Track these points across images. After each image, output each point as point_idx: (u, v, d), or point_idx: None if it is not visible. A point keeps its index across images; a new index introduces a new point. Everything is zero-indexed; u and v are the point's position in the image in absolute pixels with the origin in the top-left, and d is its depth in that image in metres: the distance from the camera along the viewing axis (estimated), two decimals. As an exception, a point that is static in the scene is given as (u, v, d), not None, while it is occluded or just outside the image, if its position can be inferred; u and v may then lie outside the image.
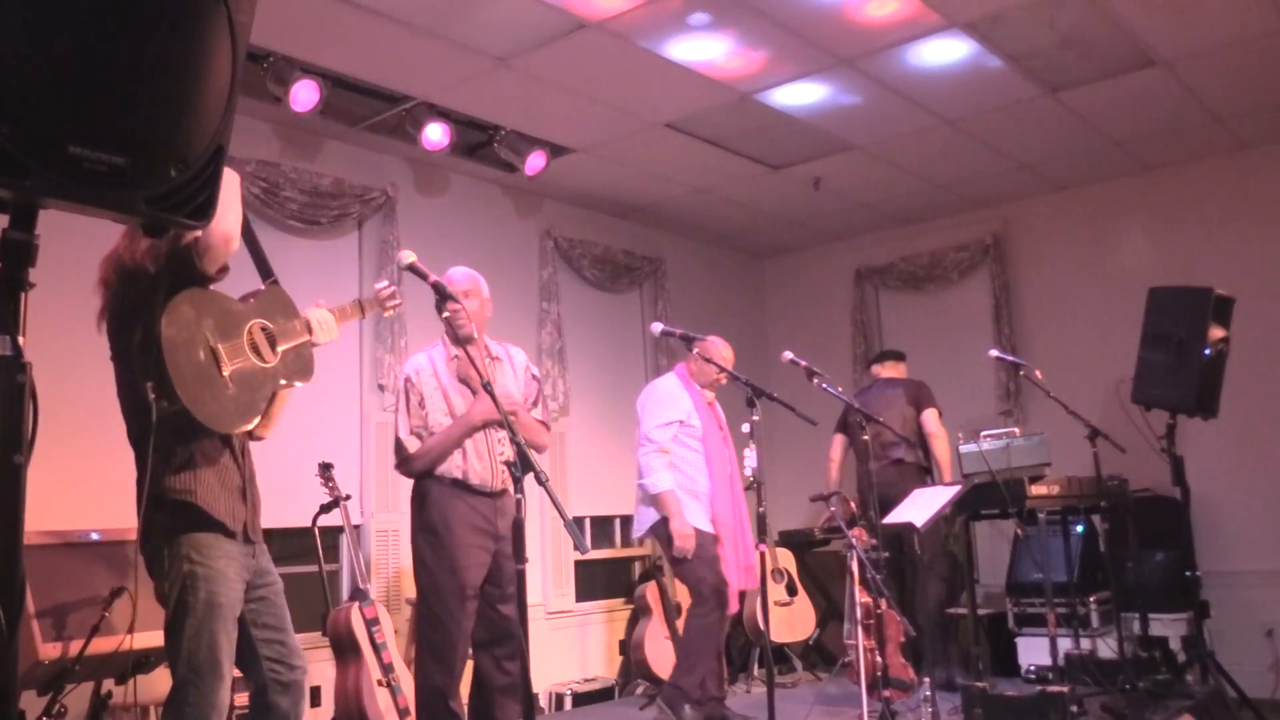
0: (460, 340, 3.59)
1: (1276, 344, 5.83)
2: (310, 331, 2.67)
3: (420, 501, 3.67)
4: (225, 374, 2.43)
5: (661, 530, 4.43)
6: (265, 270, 2.74)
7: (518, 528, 2.63)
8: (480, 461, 3.62)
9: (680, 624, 5.64)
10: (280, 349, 2.58)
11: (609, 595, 6.38)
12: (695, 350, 4.16)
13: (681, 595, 5.76)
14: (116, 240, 2.57)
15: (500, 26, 4.27)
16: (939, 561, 5.36)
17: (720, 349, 4.61)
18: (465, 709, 3.63)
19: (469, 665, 3.66)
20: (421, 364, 3.74)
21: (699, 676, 4.33)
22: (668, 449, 4.44)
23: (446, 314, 2.82)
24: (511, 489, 2.71)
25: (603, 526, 6.57)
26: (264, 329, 2.58)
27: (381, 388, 5.30)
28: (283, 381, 2.58)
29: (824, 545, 6.57)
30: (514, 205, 6.28)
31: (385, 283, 3.08)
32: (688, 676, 4.33)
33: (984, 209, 6.97)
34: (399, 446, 3.68)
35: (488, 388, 2.75)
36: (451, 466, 3.60)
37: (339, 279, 5.37)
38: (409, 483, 5.32)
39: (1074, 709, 4.07)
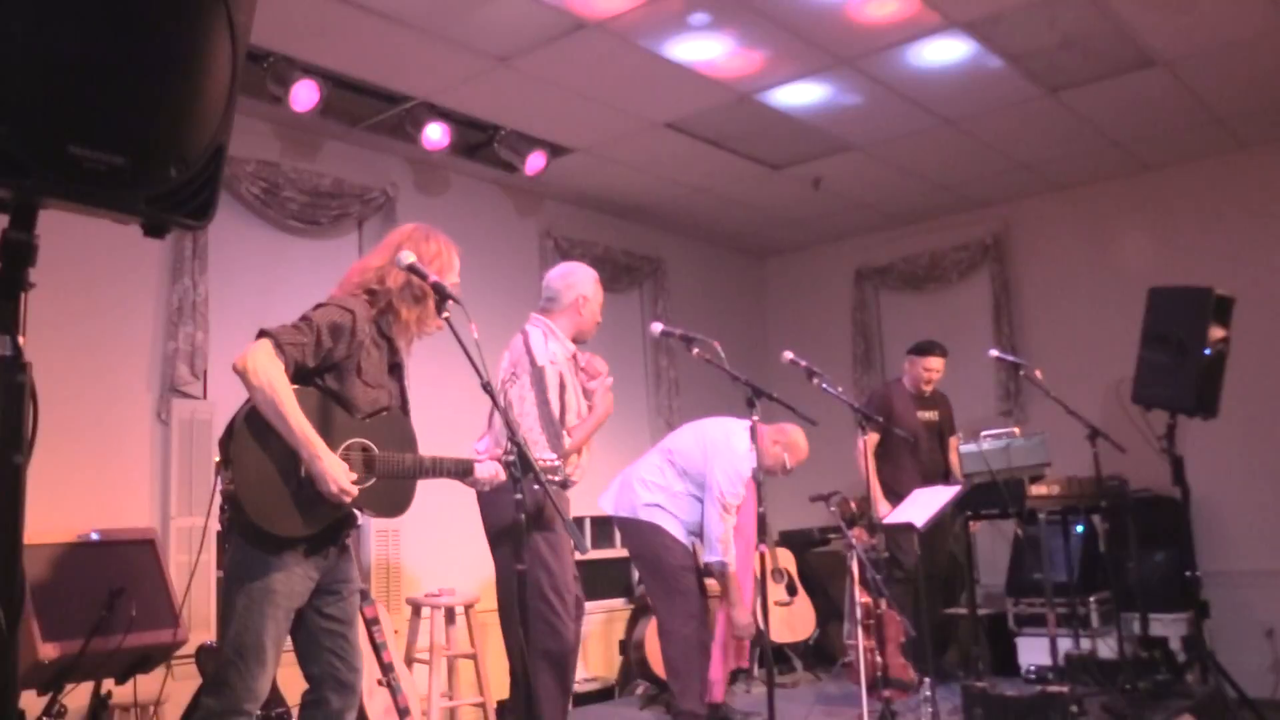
0: (579, 340, 3.84)
1: (1276, 344, 5.83)
2: (421, 473, 2.72)
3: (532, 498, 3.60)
4: (301, 479, 2.46)
5: (642, 549, 4.40)
6: (403, 401, 2.81)
7: (517, 528, 2.63)
8: (587, 456, 3.78)
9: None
10: (374, 478, 2.59)
11: (609, 595, 6.38)
12: (774, 439, 4.32)
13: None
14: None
15: (500, 26, 4.27)
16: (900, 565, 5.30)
17: (797, 441, 4.53)
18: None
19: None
20: (558, 356, 3.72)
21: (697, 690, 4.29)
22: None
23: (446, 315, 2.78)
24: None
25: (603, 527, 6.55)
26: (364, 449, 2.60)
27: (381, 388, 5.29)
28: (360, 505, 2.57)
29: (824, 545, 6.57)
30: (514, 205, 6.28)
31: (554, 458, 3.05)
32: (688, 698, 4.27)
33: (984, 209, 6.97)
34: (559, 437, 3.59)
35: (487, 388, 2.74)
36: (566, 461, 3.66)
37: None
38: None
39: (1074, 709, 4.07)
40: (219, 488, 2.46)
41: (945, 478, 5.62)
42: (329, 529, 2.56)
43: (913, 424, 5.62)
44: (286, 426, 2.45)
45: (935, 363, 5.73)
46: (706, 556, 4.34)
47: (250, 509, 2.41)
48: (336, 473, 2.50)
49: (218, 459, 2.47)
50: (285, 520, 2.46)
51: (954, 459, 5.79)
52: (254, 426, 2.44)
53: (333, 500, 2.51)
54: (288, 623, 2.51)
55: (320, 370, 2.58)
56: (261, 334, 2.48)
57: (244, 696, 2.42)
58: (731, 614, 4.39)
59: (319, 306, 2.61)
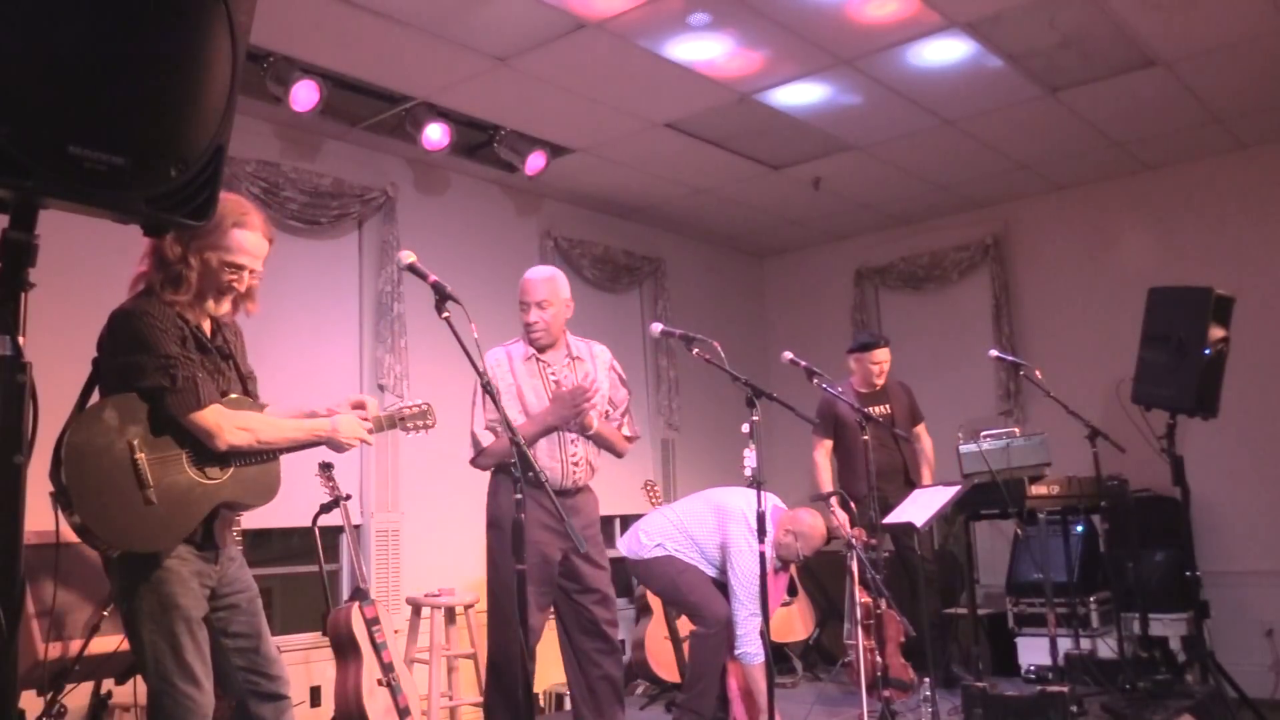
0: (536, 347, 3.67)
1: (1276, 344, 5.83)
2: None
3: (491, 497, 3.67)
4: (147, 489, 2.28)
5: (659, 581, 4.39)
6: (243, 382, 2.64)
7: (517, 528, 2.63)
8: (551, 460, 3.63)
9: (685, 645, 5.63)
10: (234, 465, 2.45)
11: (609, 595, 6.37)
12: (787, 528, 4.19)
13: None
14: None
15: (500, 26, 4.27)
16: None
17: (810, 532, 4.29)
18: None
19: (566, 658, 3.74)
20: (499, 359, 3.69)
21: (711, 697, 4.25)
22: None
23: (446, 315, 2.77)
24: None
25: (602, 527, 6.54)
26: None
27: (381, 388, 5.30)
28: (227, 499, 2.43)
29: (824, 545, 6.56)
30: (514, 205, 6.28)
31: (419, 402, 2.91)
32: (701, 699, 4.22)
33: (984, 209, 6.97)
34: (473, 440, 3.64)
35: (487, 388, 2.74)
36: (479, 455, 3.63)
37: (339, 279, 5.37)
38: (409, 482, 5.38)
39: (1074, 709, 4.07)
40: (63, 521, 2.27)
41: (904, 473, 5.44)
42: (203, 528, 2.42)
43: (855, 424, 5.48)
44: (285, 449, 2.54)
45: (882, 354, 5.56)
46: (736, 649, 4.24)
47: (109, 537, 2.26)
48: (346, 433, 2.62)
49: (51, 491, 2.25)
50: (149, 535, 2.31)
51: (924, 445, 5.62)
52: (78, 450, 2.24)
53: (355, 446, 2.66)
54: (203, 630, 2.39)
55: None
56: (189, 411, 2.34)
57: (199, 715, 2.33)
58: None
59: (131, 326, 2.36)
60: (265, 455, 2.51)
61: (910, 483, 5.32)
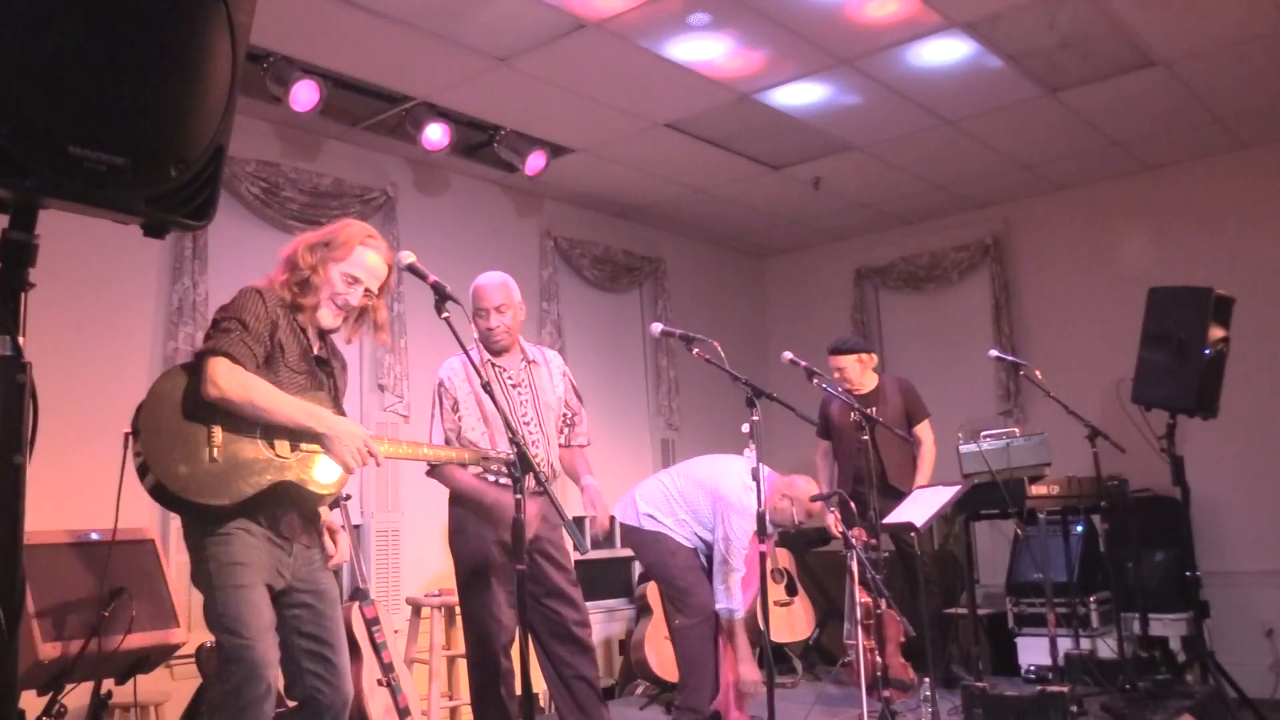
0: (494, 351, 3.65)
1: (1276, 344, 5.82)
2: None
3: (453, 501, 3.66)
4: (213, 447, 2.37)
5: (649, 555, 4.42)
6: (335, 396, 2.72)
7: (517, 529, 2.63)
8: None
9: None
10: (303, 448, 2.50)
11: (609, 595, 6.38)
12: (783, 493, 4.24)
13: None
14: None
15: (500, 26, 4.27)
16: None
17: (806, 497, 4.36)
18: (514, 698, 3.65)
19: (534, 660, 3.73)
20: (456, 368, 3.66)
21: (706, 691, 4.29)
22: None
23: (446, 315, 2.77)
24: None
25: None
26: None
27: (381, 388, 5.30)
28: (287, 478, 2.46)
29: (824, 545, 6.57)
30: (514, 205, 6.28)
31: (504, 452, 2.86)
32: (696, 695, 4.26)
33: (984, 209, 6.97)
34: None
35: (487, 388, 2.75)
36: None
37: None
38: (409, 482, 5.37)
39: (1074, 709, 4.07)
40: (131, 459, 2.37)
41: (883, 477, 5.21)
42: (263, 506, 2.45)
43: (845, 425, 5.32)
44: (280, 425, 2.46)
45: (839, 361, 5.41)
46: (717, 603, 4.29)
47: (169, 483, 2.31)
48: (348, 440, 2.50)
49: (128, 431, 2.40)
50: (206, 488, 2.35)
51: (923, 445, 5.45)
52: (160, 395, 2.37)
53: (354, 468, 2.52)
54: (262, 592, 2.42)
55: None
56: (207, 354, 2.41)
57: (250, 670, 2.32)
58: (738, 668, 4.33)
59: (240, 295, 2.57)
60: (264, 422, 2.46)
61: (891, 487, 5.17)
